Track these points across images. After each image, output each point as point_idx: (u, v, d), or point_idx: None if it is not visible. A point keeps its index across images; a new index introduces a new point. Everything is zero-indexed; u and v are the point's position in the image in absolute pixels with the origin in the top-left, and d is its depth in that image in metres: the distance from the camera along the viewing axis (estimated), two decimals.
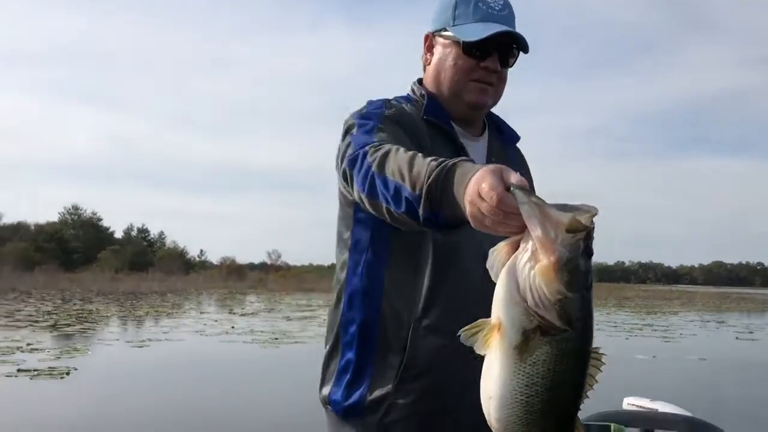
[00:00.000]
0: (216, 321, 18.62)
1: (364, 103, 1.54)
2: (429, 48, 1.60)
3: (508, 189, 0.91)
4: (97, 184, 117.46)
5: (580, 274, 0.88)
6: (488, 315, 0.93)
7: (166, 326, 17.07)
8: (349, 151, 1.38)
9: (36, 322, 16.97)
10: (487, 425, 0.96)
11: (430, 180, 1.09)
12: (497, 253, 0.94)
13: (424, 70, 1.63)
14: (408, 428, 1.43)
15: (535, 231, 0.87)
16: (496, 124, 1.71)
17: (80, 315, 19.84)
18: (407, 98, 1.61)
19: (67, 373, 8.97)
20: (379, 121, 1.44)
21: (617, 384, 2.79)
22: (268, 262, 75.07)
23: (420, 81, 1.65)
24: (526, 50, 1.55)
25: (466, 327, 0.92)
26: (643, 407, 2.44)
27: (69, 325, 16.50)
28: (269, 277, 57.81)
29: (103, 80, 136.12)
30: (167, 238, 79.33)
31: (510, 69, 1.57)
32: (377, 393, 1.43)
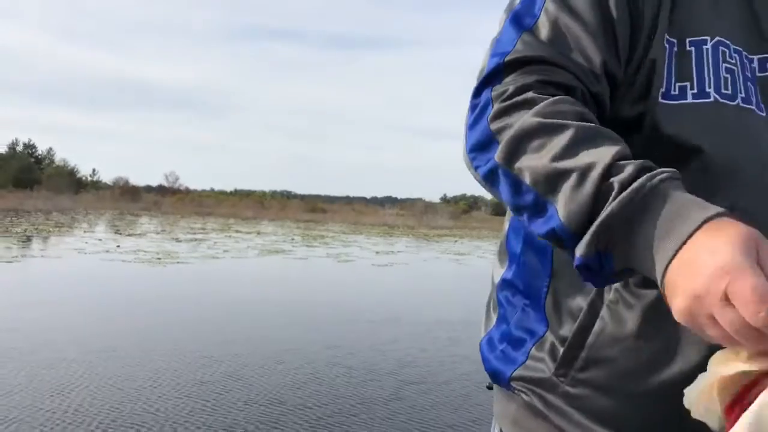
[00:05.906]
0: (100, 240, 18.08)
1: None
2: None
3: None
4: None
5: None
6: None
7: (45, 245, 16.45)
8: (483, 66, 0.78)
9: None
10: None
11: (604, 217, 0.61)
12: (709, 385, 0.58)
13: None
14: None
15: None
16: None
17: None
18: None
19: None
20: None
21: None
22: (166, 184, 72.91)
23: None
24: None
25: None
26: None
27: None
28: (165, 200, 56.27)
29: None
30: (56, 156, 75.20)
31: None
32: None
